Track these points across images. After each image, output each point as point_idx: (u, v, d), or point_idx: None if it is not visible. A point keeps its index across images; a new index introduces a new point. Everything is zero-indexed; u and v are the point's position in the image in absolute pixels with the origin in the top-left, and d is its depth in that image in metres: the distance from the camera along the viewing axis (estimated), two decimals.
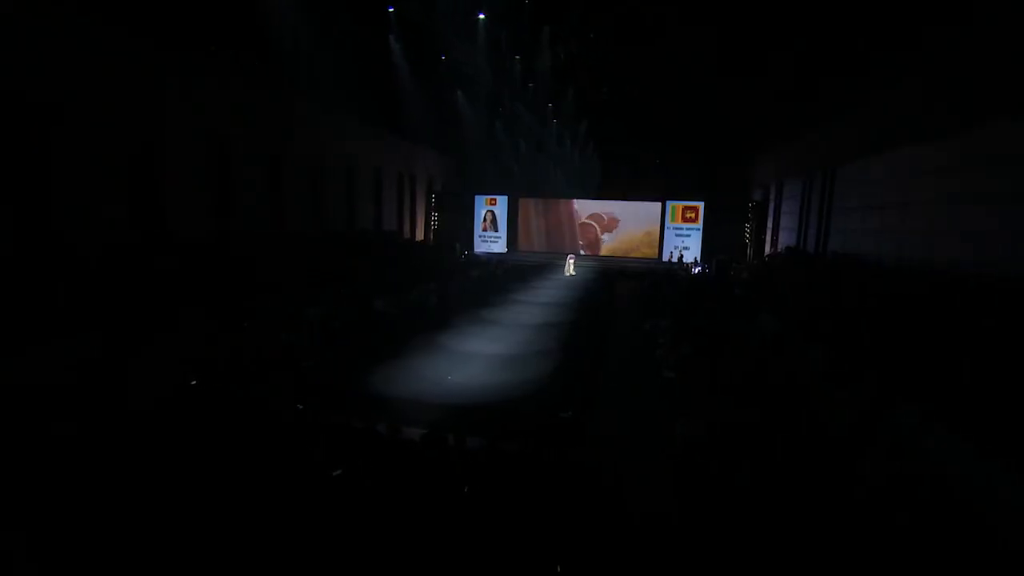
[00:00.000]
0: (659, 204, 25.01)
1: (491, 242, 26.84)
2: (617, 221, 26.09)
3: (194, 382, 6.37)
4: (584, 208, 26.50)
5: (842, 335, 8.17)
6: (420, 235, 24.99)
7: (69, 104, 8.90)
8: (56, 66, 8.68)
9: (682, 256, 23.46)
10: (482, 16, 14.94)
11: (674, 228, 24.93)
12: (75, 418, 5.17)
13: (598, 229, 26.42)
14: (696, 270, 20.87)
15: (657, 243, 25.29)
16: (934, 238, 9.77)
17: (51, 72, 8.61)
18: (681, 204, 24.75)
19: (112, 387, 6.12)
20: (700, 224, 24.52)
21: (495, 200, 26.70)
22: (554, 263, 21.94)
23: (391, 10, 14.07)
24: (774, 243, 20.87)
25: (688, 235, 24.66)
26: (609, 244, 26.29)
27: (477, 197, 26.74)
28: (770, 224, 21.64)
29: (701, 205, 24.49)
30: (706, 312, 11.34)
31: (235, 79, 12.68)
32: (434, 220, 25.92)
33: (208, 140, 12.10)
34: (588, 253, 25.86)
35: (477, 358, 9.00)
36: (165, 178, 10.94)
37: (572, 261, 20.73)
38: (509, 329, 11.20)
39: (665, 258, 24.30)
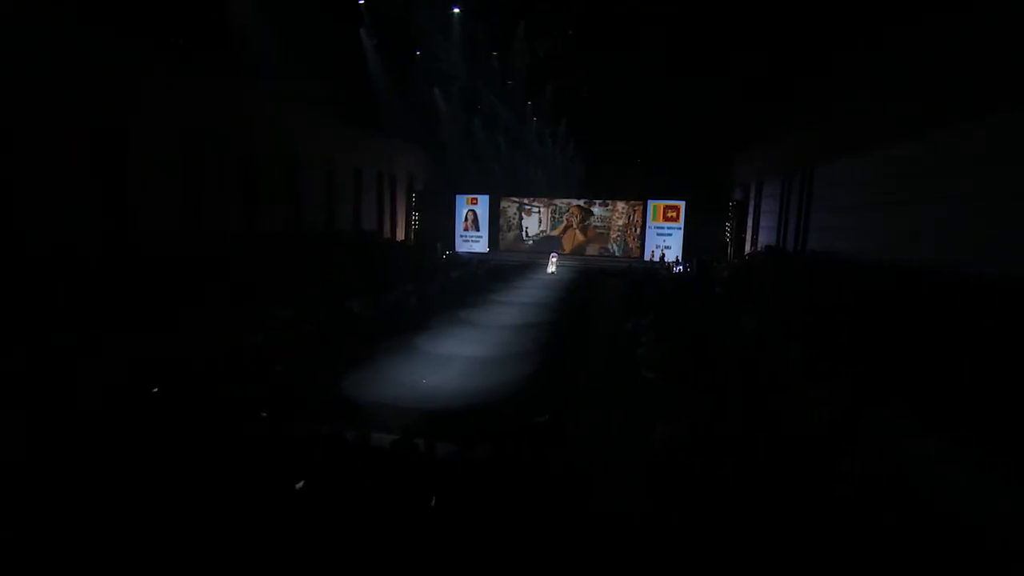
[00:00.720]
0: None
1: (472, 242, 26.64)
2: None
3: (155, 389, 6.06)
4: None
5: (821, 333, 8.16)
6: (401, 235, 24.66)
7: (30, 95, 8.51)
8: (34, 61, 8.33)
9: (664, 255, 23.51)
10: (456, 10, 14.67)
11: (656, 227, 25.00)
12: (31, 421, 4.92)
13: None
14: (677, 269, 20.91)
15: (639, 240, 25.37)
16: (916, 237, 9.80)
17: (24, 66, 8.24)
18: (663, 203, 24.85)
19: (67, 392, 5.82)
20: (682, 223, 24.62)
21: (476, 199, 26.50)
22: (536, 262, 21.82)
23: (361, 2, 13.70)
24: (754, 242, 20.99)
25: (670, 234, 24.76)
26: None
27: (458, 196, 26.53)
28: (750, 223, 21.77)
29: (682, 204, 24.59)
30: (688, 311, 11.28)
31: (206, 76, 12.28)
32: (415, 220, 25.62)
33: (180, 138, 11.71)
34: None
35: (455, 360, 8.81)
36: (134, 176, 10.52)
37: (555, 260, 20.63)
38: (489, 330, 11.03)
39: (647, 257, 24.35)
